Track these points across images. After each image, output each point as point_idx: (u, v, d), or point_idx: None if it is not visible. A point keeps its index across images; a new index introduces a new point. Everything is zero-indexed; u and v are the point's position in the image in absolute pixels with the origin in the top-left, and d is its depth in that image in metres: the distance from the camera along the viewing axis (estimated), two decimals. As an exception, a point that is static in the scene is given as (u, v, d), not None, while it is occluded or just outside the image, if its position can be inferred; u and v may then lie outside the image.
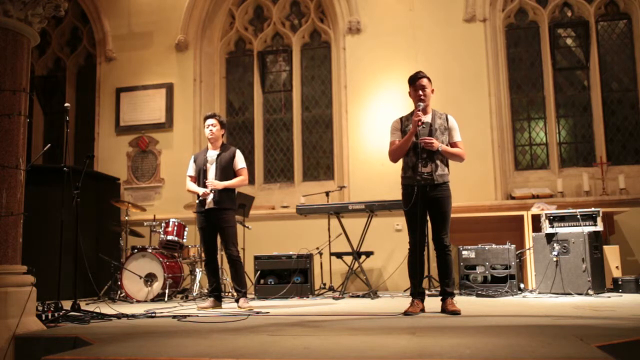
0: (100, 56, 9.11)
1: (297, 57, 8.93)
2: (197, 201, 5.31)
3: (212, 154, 5.36)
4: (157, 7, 8.93)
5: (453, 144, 4.36)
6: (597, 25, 8.06)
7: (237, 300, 5.22)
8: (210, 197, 5.20)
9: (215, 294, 5.30)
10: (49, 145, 5.28)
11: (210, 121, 5.35)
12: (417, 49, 7.96)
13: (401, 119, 4.46)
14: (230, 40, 9.19)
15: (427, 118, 4.32)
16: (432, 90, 4.39)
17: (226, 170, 5.29)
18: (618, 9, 8.06)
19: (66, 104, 4.78)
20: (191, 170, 5.46)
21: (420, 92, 4.30)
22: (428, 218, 4.39)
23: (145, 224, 7.16)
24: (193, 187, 5.36)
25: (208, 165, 5.32)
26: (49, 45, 9.73)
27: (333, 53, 8.71)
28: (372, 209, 6.34)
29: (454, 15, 7.97)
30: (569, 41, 8.21)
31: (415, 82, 4.35)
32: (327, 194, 7.47)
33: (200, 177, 5.33)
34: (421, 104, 4.27)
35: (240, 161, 5.39)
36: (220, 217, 5.21)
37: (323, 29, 8.82)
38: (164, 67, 8.82)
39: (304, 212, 6.70)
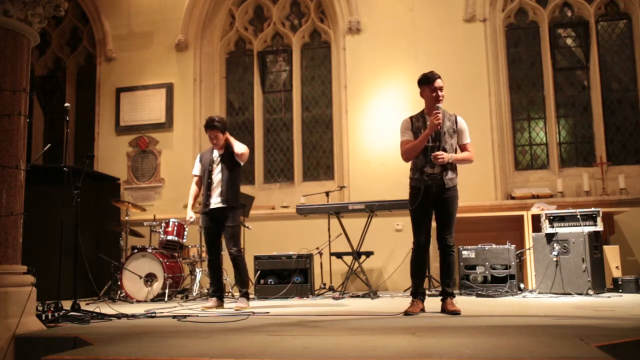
0: (100, 56, 9.10)
1: (297, 57, 8.93)
2: (200, 202, 5.34)
3: (217, 154, 5.43)
4: (157, 7, 8.93)
5: (462, 146, 4.35)
6: (597, 25, 8.06)
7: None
8: (215, 199, 5.24)
9: (218, 294, 5.31)
10: (49, 145, 5.26)
11: (211, 133, 5.33)
12: (417, 49, 7.96)
13: (411, 118, 4.40)
14: (230, 40, 9.18)
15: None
16: None
17: (230, 168, 5.34)
18: (618, 9, 8.05)
19: (66, 104, 4.78)
20: (196, 169, 5.53)
21: (440, 93, 4.24)
22: (433, 218, 4.38)
23: (145, 224, 7.16)
24: (190, 200, 5.51)
25: (214, 165, 5.37)
26: (49, 45, 9.72)
27: (333, 53, 8.71)
28: (372, 209, 6.33)
29: (454, 15, 7.97)
30: (569, 41, 8.20)
31: (433, 82, 4.25)
32: (327, 194, 7.46)
33: (204, 177, 5.39)
34: (439, 105, 4.22)
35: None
36: (225, 216, 5.24)
37: (323, 29, 8.82)
38: (164, 67, 8.82)
39: (304, 212, 6.70)
